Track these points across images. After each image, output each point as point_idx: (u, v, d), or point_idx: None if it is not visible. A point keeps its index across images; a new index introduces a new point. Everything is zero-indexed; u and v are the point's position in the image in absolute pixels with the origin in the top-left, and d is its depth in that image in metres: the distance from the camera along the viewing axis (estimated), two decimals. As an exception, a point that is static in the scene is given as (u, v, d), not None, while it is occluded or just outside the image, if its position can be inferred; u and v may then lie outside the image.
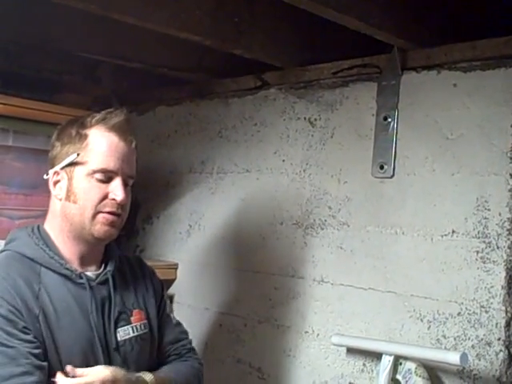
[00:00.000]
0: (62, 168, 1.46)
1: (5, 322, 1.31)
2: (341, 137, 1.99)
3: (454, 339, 1.69)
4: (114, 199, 1.44)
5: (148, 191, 2.53)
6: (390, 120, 1.86)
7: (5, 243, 1.50)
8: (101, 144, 1.45)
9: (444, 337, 1.71)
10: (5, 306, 1.32)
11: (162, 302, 1.65)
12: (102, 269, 1.52)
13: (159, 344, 1.61)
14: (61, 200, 1.47)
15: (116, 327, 1.48)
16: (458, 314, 1.68)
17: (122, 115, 1.49)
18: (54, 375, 1.34)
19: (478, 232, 1.67)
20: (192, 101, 2.47)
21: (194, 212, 2.40)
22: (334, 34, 1.91)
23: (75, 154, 1.44)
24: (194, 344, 1.74)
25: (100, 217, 1.44)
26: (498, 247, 1.63)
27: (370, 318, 1.86)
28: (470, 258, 1.67)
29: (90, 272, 1.49)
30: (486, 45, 1.68)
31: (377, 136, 1.89)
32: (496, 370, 1.61)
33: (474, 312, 1.66)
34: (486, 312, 1.64)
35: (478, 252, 1.66)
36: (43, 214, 1.55)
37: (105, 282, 1.49)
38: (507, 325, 1.61)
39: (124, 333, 1.49)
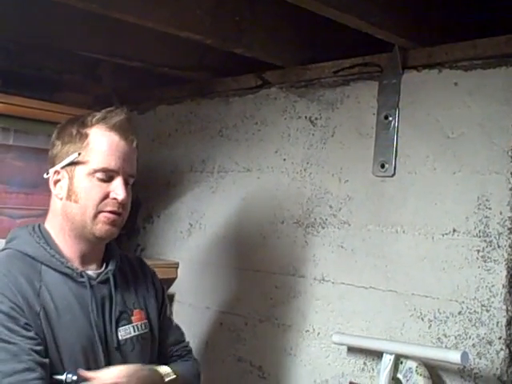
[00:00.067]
0: (63, 167, 1.46)
1: (6, 319, 1.31)
2: (342, 136, 1.99)
3: (455, 338, 1.69)
4: (115, 198, 1.44)
5: (149, 190, 2.53)
6: (390, 119, 1.86)
7: (5, 242, 1.50)
8: (102, 143, 1.45)
9: (445, 335, 1.71)
10: (6, 302, 1.32)
11: (164, 304, 1.66)
12: (103, 268, 1.52)
13: (162, 345, 1.62)
14: (61, 199, 1.47)
15: (117, 326, 1.48)
16: (459, 312, 1.68)
17: (122, 114, 1.48)
18: (54, 372, 1.34)
19: (479, 231, 1.67)
20: (193, 100, 2.47)
21: (194, 211, 2.40)
22: (335, 33, 1.91)
23: (76, 154, 1.44)
24: (195, 343, 1.75)
25: (101, 216, 1.44)
26: (498, 246, 1.63)
27: (370, 317, 1.86)
28: (471, 256, 1.67)
29: (91, 271, 1.49)
30: (487, 43, 1.68)
31: (378, 135, 1.89)
32: (497, 369, 1.61)
33: (474, 311, 1.66)
34: (487, 311, 1.64)
35: (478, 251, 1.66)
36: (44, 213, 1.55)
37: (105, 281, 1.50)
38: (508, 323, 1.61)
39: (125, 332, 1.49)
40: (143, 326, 1.55)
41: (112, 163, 1.44)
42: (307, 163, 2.06)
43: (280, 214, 2.12)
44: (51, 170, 1.49)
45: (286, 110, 2.15)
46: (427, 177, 1.78)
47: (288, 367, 2.05)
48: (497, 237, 1.64)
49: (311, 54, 2.06)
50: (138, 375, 1.42)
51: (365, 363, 1.87)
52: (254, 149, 2.23)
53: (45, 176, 1.51)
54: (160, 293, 1.66)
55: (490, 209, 1.65)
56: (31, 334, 1.32)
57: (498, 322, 1.62)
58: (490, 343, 1.63)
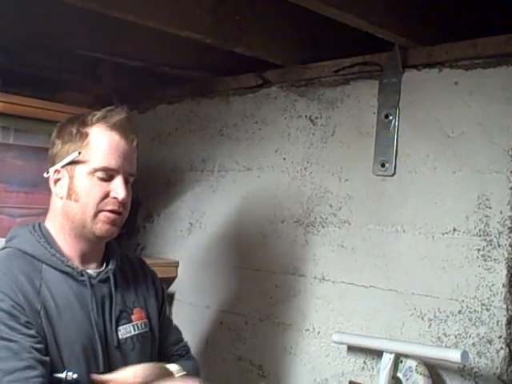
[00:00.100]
0: (63, 166, 1.46)
1: (7, 317, 1.31)
2: (342, 135, 1.99)
3: (455, 337, 1.69)
4: (115, 197, 1.44)
5: (149, 189, 2.53)
6: (391, 118, 1.86)
7: (6, 240, 1.50)
8: (102, 142, 1.45)
9: (445, 335, 1.71)
10: (7, 301, 1.32)
11: (164, 305, 1.67)
12: (103, 267, 1.52)
13: (162, 345, 1.63)
14: (62, 198, 1.47)
15: (117, 325, 1.48)
16: (459, 311, 1.68)
17: (122, 113, 1.48)
18: (54, 371, 1.35)
19: (479, 230, 1.67)
20: (193, 99, 2.47)
21: (194, 210, 2.40)
22: (335, 32, 1.91)
23: (76, 153, 1.44)
24: (195, 342, 1.75)
25: (101, 215, 1.44)
26: (499, 245, 1.63)
27: (370, 316, 1.86)
28: (471, 256, 1.67)
29: (91, 270, 1.49)
30: (488, 43, 1.68)
31: (378, 134, 1.89)
32: (497, 368, 1.62)
33: (474, 310, 1.66)
34: (487, 310, 1.64)
35: (479, 250, 1.66)
36: (44, 212, 1.55)
37: (106, 280, 1.50)
38: (508, 323, 1.61)
39: (125, 331, 1.49)
40: (143, 325, 1.55)
41: (112, 162, 1.44)
42: (307, 162, 2.07)
43: (280, 213, 2.12)
44: (51, 169, 1.49)
45: (287, 109, 2.15)
46: (427, 176, 1.78)
47: (288, 366, 2.05)
48: (497, 236, 1.64)
49: (311, 53, 2.06)
50: (156, 372, 1.43)
51: (365, 362, 1.87)
52: (254, 148, 2.23)
53: (45, 175, 1.50)
54: (160, 292, 1.66)
55: (490, 208, 1.65)
56: (32, 332, 1.32)
57: (498, 321, 1.62)
58: (490, 342, 1.63)
